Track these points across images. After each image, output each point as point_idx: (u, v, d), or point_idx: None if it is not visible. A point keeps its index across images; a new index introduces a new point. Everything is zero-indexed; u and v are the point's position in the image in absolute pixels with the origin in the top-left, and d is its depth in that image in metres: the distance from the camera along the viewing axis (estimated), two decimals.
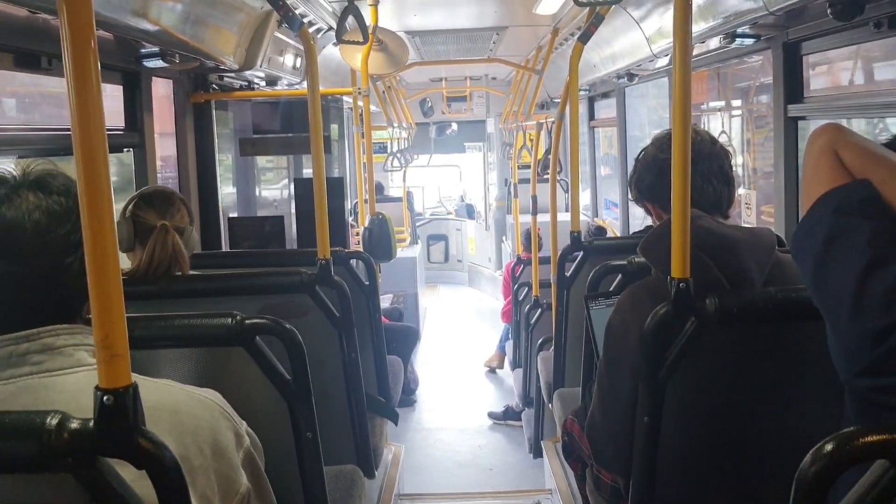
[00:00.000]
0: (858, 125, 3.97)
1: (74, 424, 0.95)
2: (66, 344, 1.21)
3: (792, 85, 3.32)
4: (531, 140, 7.58)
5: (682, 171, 1.63)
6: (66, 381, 1.18)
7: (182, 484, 1.02)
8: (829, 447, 0.94)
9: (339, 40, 3.46)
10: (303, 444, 1.80)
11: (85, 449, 0.95)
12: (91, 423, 0.96)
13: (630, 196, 2.20)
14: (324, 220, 2.49)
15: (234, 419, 1.33)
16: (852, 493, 0.95)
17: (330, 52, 5.32)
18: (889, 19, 2.55)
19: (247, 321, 1.70)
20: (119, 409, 0.96)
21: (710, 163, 1.99)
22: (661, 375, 1.66)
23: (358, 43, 3.52)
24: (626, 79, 5.61)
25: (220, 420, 1.29)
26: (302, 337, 1.86)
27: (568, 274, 3.30)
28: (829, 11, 2.58)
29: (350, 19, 3.42)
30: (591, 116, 8.18)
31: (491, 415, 6.18)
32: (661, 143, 2.11)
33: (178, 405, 1.24)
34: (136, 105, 3.43)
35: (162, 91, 3.90)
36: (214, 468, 1.23)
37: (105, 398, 0.96)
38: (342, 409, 2.57)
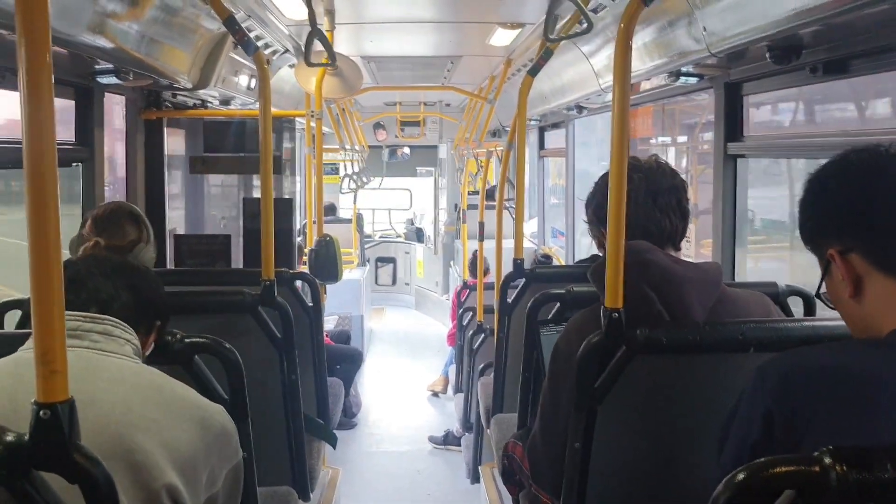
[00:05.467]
0: (797, 163, 4.13)
1: (9, 437, 0.97)
2: (121, 336, 1.48)
3: (732, 124, 3.41)
4: (482, 167, 7.68)
5: (617, 206, 1.70)
6: (112, 362, 1.42)
7: (114, 500, 1.04)
8: (741, 476, 0.98)
9: (309, 63, 3.49)
10: None
11: (19, 462, 0.97)
12: (26, 437, 0.98)
13: (585, 218, 2.23)
14: (269, 240, 2.52)
15: None
16: None
17: (285, 74, 5.35)
18: (824, 65, 2.65)
19: (186, 340, 1.72)
20: (55, 423, 0.98)
21: (670, 197, 2.03)
22: (591, 402, 1.72)
23: (325, 65, 3.56)
24: (575, 111, 5.74)
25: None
26: (243, 357, 1.88)
27: (510, 300, 3.35)
28: (767, 56, 2.71)
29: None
30: (541, 146, 8.30)
31: (431, 439, 6.18)
32: None
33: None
34: (88, 120, 3.42)
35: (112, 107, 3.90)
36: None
37: (42, 412, 0.98)
38: (280, 429, 2.58)
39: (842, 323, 1.76)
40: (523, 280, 3.33)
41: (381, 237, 12.65)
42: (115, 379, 1.39)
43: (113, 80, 3.18)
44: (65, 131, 3.40)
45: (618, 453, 1.81)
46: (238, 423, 1.77)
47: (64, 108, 3.37)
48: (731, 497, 0.99)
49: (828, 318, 1.89)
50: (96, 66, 3.13)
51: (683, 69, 3.40)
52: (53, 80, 0.98)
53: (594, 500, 1.81)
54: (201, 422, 1.43)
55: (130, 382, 1.40)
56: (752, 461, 1.01)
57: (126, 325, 1.50)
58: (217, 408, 1.51)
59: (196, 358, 1.73)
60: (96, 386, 1.34)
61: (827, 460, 0.95)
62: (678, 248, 2.07)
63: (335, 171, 10.11)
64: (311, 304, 3.18)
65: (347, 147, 7.56)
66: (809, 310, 2.52)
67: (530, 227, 8.90)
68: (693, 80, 3.48)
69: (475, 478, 4.41)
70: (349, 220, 9.65)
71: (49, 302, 0.98)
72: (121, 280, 1.56)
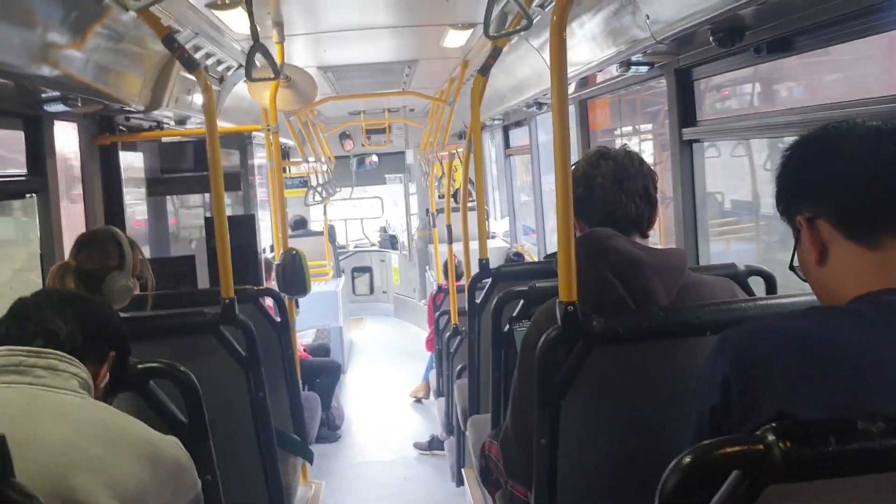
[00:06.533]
0: (753, 144, 4.15)
1: None
2: (66, 370, 1.44)
3: (685, 109, 3.43)
4: (447, 170, 7.67)
5: (564, 202, 1.69)
6: (56, 398, 1.40)
7: None
8: (687, 460, 0.97)
9: (249, 78, 3.45)
10: (203, 487, 1.78)
11: None
12: None
13: None
14: (226, 258, 2.49)
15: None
16: None
17: (242, 90, 5.31)
18: (767, 44, 2.68)
19: (139, 366, 1.69)
20: None
21: (636, 182, 2.04)
22: (554, 397, 1.71)
23: (269, 79, 3.52)
24: (535, 108, 5.74)
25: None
26: (208, 378, 1.86)
27: (479, 301, 3.34)
28: (711, 39, 2.72)
29: (259, 57, 3.43)
30: (507, 145, 8.31)
31: (417, 445, 6.16)
32: (591, 158, 2.15)
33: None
34: (39, 150, 3.37)
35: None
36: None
37: None
38: (252, 448, 2.55)
39: (797, 299, 1.76)
40: (490, 280, 3.32)
41: (355, 247, 12.60)
42: (59, 416, 1.36)
43: (61, 107, 3.13)
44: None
45: (586, 444, 1.81)
46: (199, 446, 1.76)
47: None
48: (679, 481, 0.98)
49: (786, 294, 1.89)
50: (43, 95, 3.08)
51: (633, 58, 3.41)
52: None
53: (566, 492, 1.81)
54: (151, 457, 1.40)
55: (74, 420, 1.37)
56: (710, 427, 1.00)
57: (72, 357, 1.47)
58: (170, 441, 1.48)
59: (151, 383, 1.70)
60: (38, 424, 1.31)
61: (770, 437, 0.94)
62: (645, 236, 2.07)
63: (304, 184, 10.06)
64: (278, 320, 3.15)
65: (311, 160, 7.52)
66: (771, 290, 2.53)
67: (503, 225, 8.91)
68: (644, 68, 3.48)
69: (460, 480, 4.40)
70: (321, 233, 9.60)
71: None
72: (68, 310, 1.54)
